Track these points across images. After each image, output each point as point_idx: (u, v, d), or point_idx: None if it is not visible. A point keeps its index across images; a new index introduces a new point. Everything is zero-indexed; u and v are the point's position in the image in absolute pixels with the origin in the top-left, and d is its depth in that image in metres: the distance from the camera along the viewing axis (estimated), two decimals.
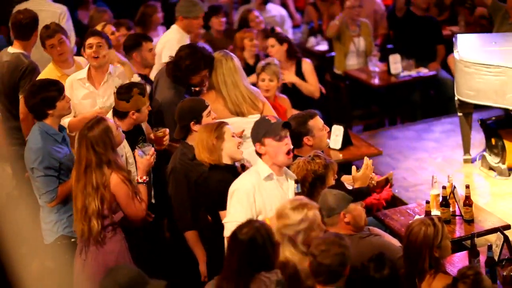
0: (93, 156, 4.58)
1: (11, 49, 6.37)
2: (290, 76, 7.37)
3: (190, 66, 5.71)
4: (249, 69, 7.21)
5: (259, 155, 4.56)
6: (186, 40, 7.05)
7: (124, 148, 5.16)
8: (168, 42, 7.01)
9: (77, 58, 6.40)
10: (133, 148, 5.15)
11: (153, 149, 4.96)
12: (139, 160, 4.89)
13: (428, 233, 4.05)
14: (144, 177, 4.85)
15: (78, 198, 4.60)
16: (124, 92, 5.19)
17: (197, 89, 5.99)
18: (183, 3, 6.99)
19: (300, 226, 3.96)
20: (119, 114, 5.22)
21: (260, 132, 4.53)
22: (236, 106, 5.73)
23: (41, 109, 5.00)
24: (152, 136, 5.47)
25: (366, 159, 5.13)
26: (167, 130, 5.47)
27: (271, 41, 7.51)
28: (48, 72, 6.05)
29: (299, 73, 7.52)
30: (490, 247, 4.55)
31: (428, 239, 4.05)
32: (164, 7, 8.89)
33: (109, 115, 5.26)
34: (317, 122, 5.24)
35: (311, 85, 7.49)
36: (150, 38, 6.44)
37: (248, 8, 9.30)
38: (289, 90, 7.25)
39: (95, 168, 4.57)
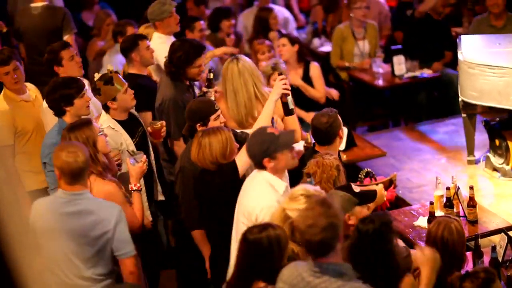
0: None
1: (35, 4, 7.05)
2: (295, 79, 7.37)
3: (181, 58, 5.73)
4: None
5: (262, 167, 4.36)
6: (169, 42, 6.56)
7: (122, 136, 5.22)
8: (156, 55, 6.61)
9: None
10: (132, 137, 5.26)
11: (145, 156, 4.92)
12: (131, 168, 4.83)
13: (459, 229, 4.10)
14: (138, 185, 4.81)
15: None
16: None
17: (204, 90, 5.93)
18: (153, 8, 6.84)
19: None
20: (104, 108, 5.35)
21: (271, 147, 4.29)
22: (240, 116, 5.48)
23: (59, 105, 5.05)
24: (149, 129, 5.46)
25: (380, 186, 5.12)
26: (164, 122, 5.50)
27: (283, 40, 7.54)
28: (2, 100, 5.75)
29: (307, 77, 7.53)
30: (494, 248, 4.55)
31: (463, 235, 4.11)
32: None
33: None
34: (340, 120, 5.19)
35: (317, 92, 7.49)
36: (145, 36, 6.40)
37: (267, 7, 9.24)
38: (294, 90, 7.24)
39: None
